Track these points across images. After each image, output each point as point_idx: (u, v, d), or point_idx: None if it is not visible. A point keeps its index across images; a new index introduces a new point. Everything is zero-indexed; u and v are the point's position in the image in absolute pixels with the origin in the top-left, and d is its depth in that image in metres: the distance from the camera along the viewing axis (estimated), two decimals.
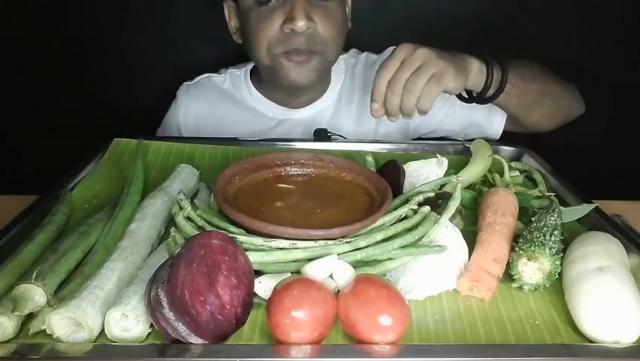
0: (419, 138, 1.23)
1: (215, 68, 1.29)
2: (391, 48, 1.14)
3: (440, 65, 0.85)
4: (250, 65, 1.26)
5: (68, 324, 0.56)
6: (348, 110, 1.21)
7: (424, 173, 0.85)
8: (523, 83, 0.98)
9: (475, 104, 0.99)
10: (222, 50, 1.35)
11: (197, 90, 1.26)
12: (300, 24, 1.00)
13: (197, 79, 1.27)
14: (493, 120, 1.14)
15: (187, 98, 1.26)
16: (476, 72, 0.92)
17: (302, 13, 1.00)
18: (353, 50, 1.26)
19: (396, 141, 1.13)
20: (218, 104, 1.25)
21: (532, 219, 0.71)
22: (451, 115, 1.18)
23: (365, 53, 1.26)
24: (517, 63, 0.98)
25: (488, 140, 1.00)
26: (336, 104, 1.21)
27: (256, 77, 1.24)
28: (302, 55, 1.05)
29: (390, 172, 0.80)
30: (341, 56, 1.18)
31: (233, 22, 1.15)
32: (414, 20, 1.36)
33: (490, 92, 0.94)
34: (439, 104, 1.17)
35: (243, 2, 1.08)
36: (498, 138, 1.15)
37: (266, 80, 1.20)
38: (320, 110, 1.21)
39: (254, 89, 1.23)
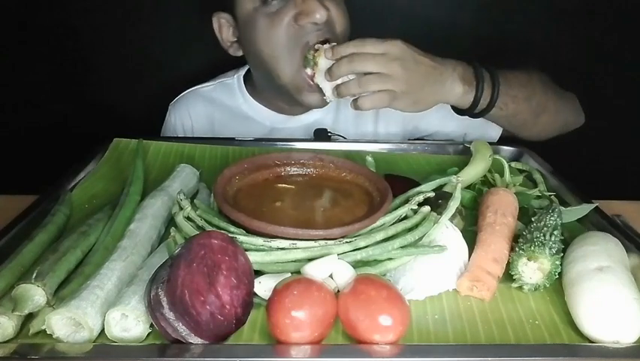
0: (420, 138, 1.22)
1: (216, 68, 1.29)
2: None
3: (407, 86, 0.85)
4: (242, 72, 1.23)
5: (68, 324, 0.56)
6: (346, 114, 1.19)
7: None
8: (513, 104, 0.98)
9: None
10: (223, 50, 1.35)
11: (183, 105, 1.25)
12: (320, 15, 0.97)
13: (181, 95, 1.26)
14: (488, 128, 1.13)
15: (175, 114, 1.25)
16: (459, 96, 0.93)
17: (318, 4, 0.97)
18: None
19: (397, 141, 1.13)
20: (209, 113, 1.23)
21: (532, 219, 0.71)
22: (449, 119, 1.16)
23: None
24: (514, 80, 0.97)
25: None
26: (335, 110, 1.19)
27: (250, 84, 1.21)
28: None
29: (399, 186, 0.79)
30: None
31: (226, 35, 1.11)
32: (410, 30, 1.34)
33: (479, 108, 0.95)
34: (434, 109, 1.17)
35: (241, 9, 1.04)
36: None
37: (266, 87, 1.16)
38: (319, 117, 1.18)
39: (249, 96, 1.20)
